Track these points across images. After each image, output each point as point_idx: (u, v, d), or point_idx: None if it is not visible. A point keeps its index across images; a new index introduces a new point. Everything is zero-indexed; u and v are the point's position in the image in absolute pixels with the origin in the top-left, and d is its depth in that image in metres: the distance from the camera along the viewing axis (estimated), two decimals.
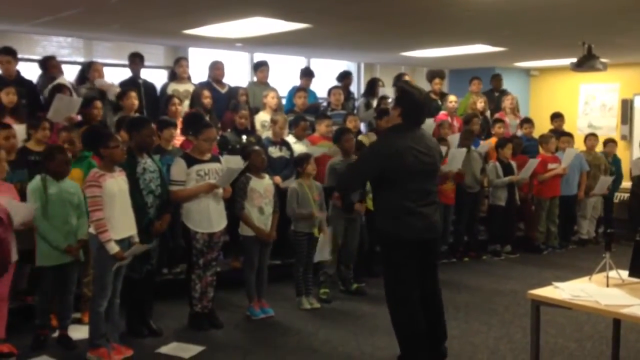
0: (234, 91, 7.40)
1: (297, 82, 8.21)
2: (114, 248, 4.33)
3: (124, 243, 4.44)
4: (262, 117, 7.18)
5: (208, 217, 5.04)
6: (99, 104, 5.97)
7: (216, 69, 7.48)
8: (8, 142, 4.88)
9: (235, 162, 5.43)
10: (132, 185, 4.61)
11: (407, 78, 8.74)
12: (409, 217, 4.00)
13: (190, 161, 5.04)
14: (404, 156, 3.95)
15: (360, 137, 6.87)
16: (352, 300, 6.04)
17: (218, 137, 6.08)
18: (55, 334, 4.78)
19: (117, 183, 4.43)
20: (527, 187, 8.22)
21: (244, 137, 6.40)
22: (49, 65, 6.76)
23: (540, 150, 8.44)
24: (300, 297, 5.78)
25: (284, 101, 8.00)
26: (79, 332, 4.83)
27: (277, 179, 6.13)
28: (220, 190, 5.12)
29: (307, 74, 8.25)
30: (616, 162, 9.14)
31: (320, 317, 5.55)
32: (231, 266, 6.38)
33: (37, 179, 4.56)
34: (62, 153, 4.67)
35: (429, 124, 6.99)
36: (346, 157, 6.10)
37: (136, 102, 6.38)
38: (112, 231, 4.34)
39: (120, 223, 4.42)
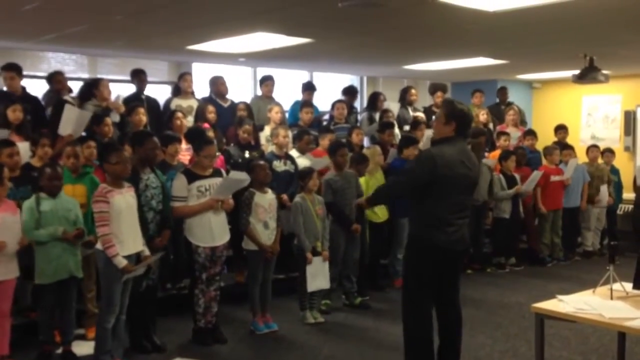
0: (235, 106, 7.43)
1: (299, 96, 8.24)
2: (121, 262, 4.32)
3: (132, 259, 4.44)
4: (267, 132, 7.18)
5: (210, 231, 5.04)
6: (109, 120, 6.01)
7: (219, 84, 7.52)
8: (12, 160, 4.88)
9: (238, 175, 5.43)
10: None
11: (413, 91, 8.83)
12: (447, 227, 4.07)
13: (191, 177, 5.05)
14: (454, 167, 4.02)
15: (364, 151, 6.88)
16: (356, 314, 6.02)
17: (218, 154, 6.08)
18: (59, 350, 4.77)
19: (124, 199, 4.44)
20: (530, 200, 8.21)
21: (247, 152, 6.42)
22: (54, 81, 6.74)
23: (544, 161, 8.44)
24: (304, 311, 5.77)
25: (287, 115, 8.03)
26: (83, 348, 4.83)
27: (285, 197, 6.13)
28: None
29: (309, 88, 8.28)
30: (615, 172, 9.14)
31: (324, 332, 5.54)
32: (235, 280, 6.37)
33: (32, 197, 4.59)
34: (52, 168, 4.64)
35: (428, 136, 6.98)
36: (339, 171, 6.12)
37: (144, 118, 6.40)
38: (120, 247, 4.34)
39: (127, 239, 4.42)
